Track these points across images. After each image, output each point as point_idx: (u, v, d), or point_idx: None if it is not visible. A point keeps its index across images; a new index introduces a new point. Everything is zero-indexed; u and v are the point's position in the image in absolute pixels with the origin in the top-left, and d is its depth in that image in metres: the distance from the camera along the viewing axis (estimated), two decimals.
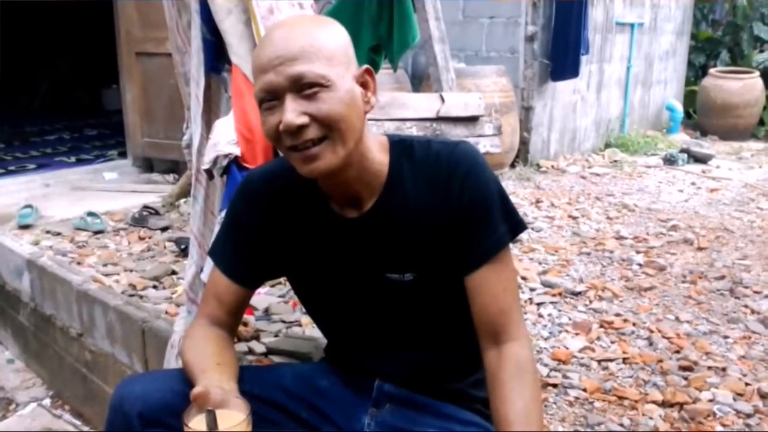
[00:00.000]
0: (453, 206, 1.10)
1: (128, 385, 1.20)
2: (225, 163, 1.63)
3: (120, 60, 4.47)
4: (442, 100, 2.24)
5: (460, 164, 1.11)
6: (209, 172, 1.69)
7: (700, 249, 2.88)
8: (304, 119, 1.00)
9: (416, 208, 1.13)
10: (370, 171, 1.12)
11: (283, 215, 1.20)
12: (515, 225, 1.14)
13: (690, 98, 6.73)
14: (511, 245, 1.17)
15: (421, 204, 1.13)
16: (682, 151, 5.03)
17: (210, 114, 1.91)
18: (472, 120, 2.34)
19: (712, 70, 6.43)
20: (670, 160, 4.89)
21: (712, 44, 7.10)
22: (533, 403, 1.06)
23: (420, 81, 4.80)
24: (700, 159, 4.91)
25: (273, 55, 1.01)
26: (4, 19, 6.67)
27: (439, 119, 2.24)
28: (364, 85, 1.08)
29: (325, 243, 1.19)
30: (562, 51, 4.51)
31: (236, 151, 1.63)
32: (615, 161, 5.04)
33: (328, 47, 1.03)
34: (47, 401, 2.73)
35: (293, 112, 1.00)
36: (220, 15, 1.75)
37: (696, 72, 7.10)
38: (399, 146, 1.16)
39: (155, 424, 1.13)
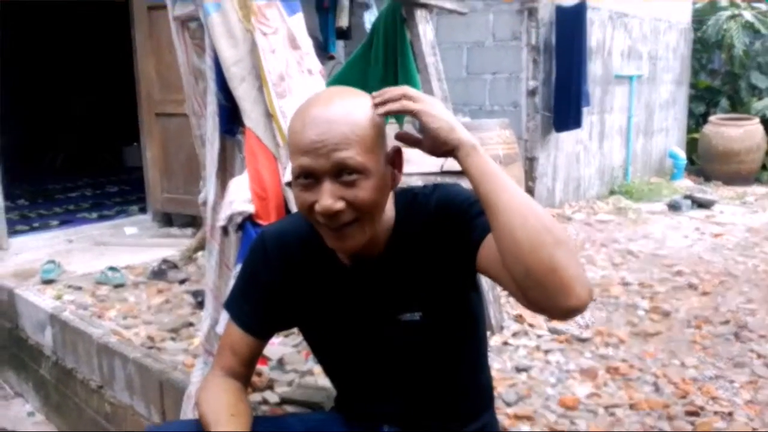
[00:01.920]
0: (441, 226, 1.17)
1: None
2: (240, 220, 1.74)
3: (141, 119, 4.66)
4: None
5: (440, 195, 1.20)
6: (225, 229, 1.79)
7: (704, 294, 2.93)
8: (341, 205, 1.08)
9: (419, 251, 1.21)
10: (382, 229, 1.21)
11: (295, 269, 1.29)
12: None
13: (692, 145, 6.85)
14: None
15: (422, 246, 1.21)
16: (686, 197, 5.11)
17: (225, 173, 2.03)
18: None
19: (712, 118, 6.56)
20: (674, 207, 4.97)
21: (711, 93, 7.27)
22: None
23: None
24: (704, 204, 4.99)
25: (316, 138, 1.06)
26: (32, 80, 6.94)
27: (444, 173, 2.34)
28: (393, 163, 1.15)
29: (335, 292, 1.27)
30: (564, 104, 4.67)
31: (250, 208, 1.74)
32: (620, 208, 5.12)
33: (368, 132, 1.08)
34: None
35: (332, 198, 1.07)
36: (234, 82, 1.88)
37: (696, 120, 7.24)
38: (403, 197, 1.24)
39: None
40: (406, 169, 2.31)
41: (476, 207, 1.12)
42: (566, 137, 5.01)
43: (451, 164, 2.55)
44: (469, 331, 1.31)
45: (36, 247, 4.04)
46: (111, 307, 2.94)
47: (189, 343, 2.49)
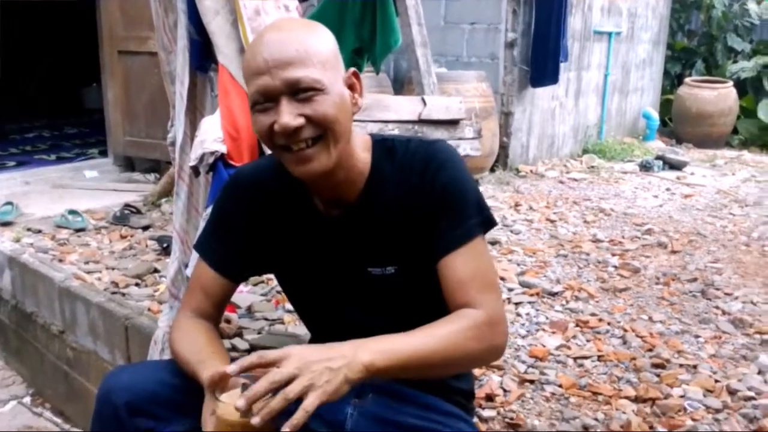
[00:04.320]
0: (426, 198, 1.15)
1: (115, 376, 1.22)
2: (211, 160, 1.67)
3: (102, 58, 4.46)
4: (424, 103, 2.29)
5: (434, 159, 1.16)
6: (195, 169, 1.71)
7: (673, 252, 2.96)
8: (300, 121, 1.05)
9: (396, 204, 1.17)
10: (355, 170, 1.17)
11: (269, 212, 1.24)
12: (486, 220, 1.18)
13: (666, 106, 6.86)
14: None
15: (400, 200, 1.17)
16: (658, 158, 5.14)
17: (195, 112, 1.94)
18: (453, 123, 2.38)
19: (687, 80, 6.57)
20: (646, 167, 4.99)
21: (688, 54, 7.26)
22: (446, 327, 1.09)
23: (402, 84, 4.85)
24: (675, 166, 5.02)
25: (269, 58, 1.04)
26: None
27: (421, 122, 2.28)
28: (351, 87, 1.13)
29: (309, 240, 1.23)
30: (542, 58, 4.59)
31: (222, 148, 1.66)
32: (592, 167, 5.13)
33: (321, 52, 1.07)
34: (27, 399, 2.72)
35: (289, 115, 1.04)
36: (208, 16, 1.78)
37: (672, 81, 7.24)
38: (381, 145, 1.20)
39: (142, 413, 1.15)
40: (383, 116, 2.26)
41: (465, 213, 1.14)
42: (542, 93, 4.96)
43: (428, 113, 2.48)
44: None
45: None
46: (72, 251, 2.85)
47: (155, 289, 2.44)
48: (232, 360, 1.27)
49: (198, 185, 1.98)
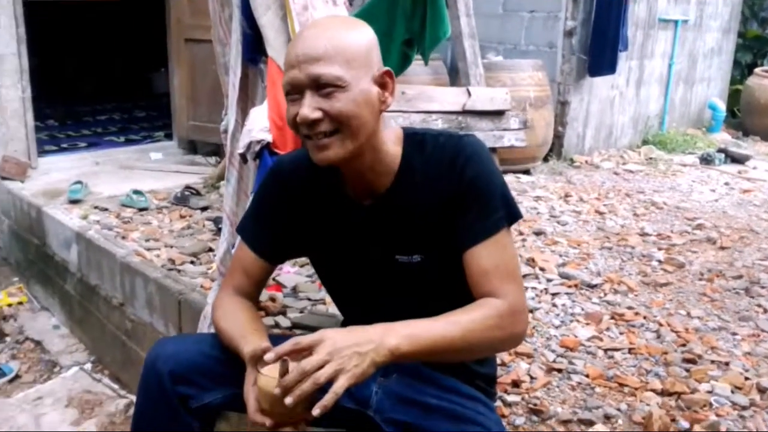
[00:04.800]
0: (454, 190, 1.20)
1: (161, 345, 1.33)
2: (258, 148, 1.77)
3: (169, 45, 4.66)
4: (469, 94, 2.34)
5: (462, 153, 1.22)
6: (243, 156, 1.82)
7: (722, 248, 2.91)
8: (318, 114, 1.12)
9: (424, 195, 1.24)
10: (384, 162, 1.23)
11: (306, 199, 1.32)
12: (512, 213, 1.23)
13: (734, 97, 6.60)
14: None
15: (428, 192, 1.23)
16: (720, 150, 4.98)
17: (246, 102, 2.05)
18: (498, 114, 2.42)
19: (757, 69, 6.30)
20: (706, 160, 4.85)
21: (760, 43, 6.95)
22: (469, 314, 1.15)
23: (458, 73, 4.86)
24: (738, 159, 4.86)
25: (300, 53, 1.12)
26: (62, 8, 6.93)
27: (465, 112, 2.33)
28: (383, 85, 1.19)
29: (341, 227, 1.31)
30: (601, 47, 4.52)
31: (268, 137, 1.76)
32: (650, 159, 5.02)
33: (350, 50, 1.13)
34: (88, 366, 2.93)
35: (309, 107, 1.12)
36: (259, 11, 1.88)
37: (742, 71, 6.95)
38: (411, 139, 1.27)
39: (184, 381, 1.26)
40: (427, 107, 2.31)
41: (491, 206, 1.19)
42: (601, 82, 4.88)
43: (472, 104, 2.52)
44: None
45: (64, 168, 4.15)
46: (135, 229, 3.04)
47: (208, 267, 2.57)
48: (271, 337, 1.37)
49: (247, 171, 2.09)
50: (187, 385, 1.26)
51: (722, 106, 6.20)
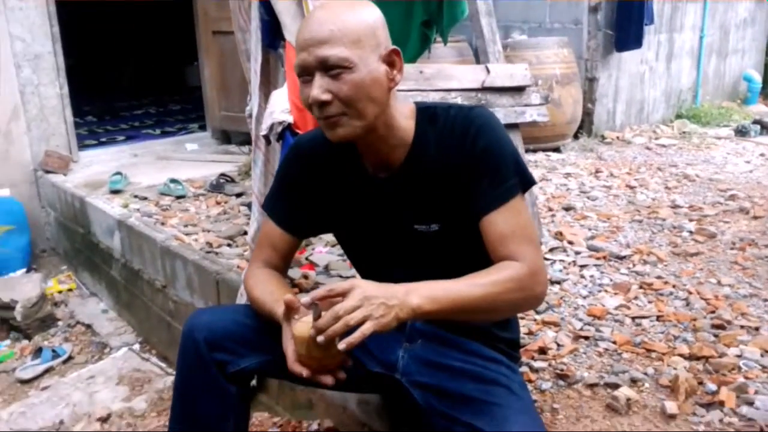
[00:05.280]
0: (467, 161, 1.25)
1: (197, 316, 1.40)
2: (279, 129, 1.83)
3: (198, 38, 4.77)
4: (488, 71, 2.35)
5: (473, 124, 1.26)
6: (266, 138, 1.89)
7: (755, 218, 2.88)
8: (328, 96, 1.17)
9: (437, 167, 1.28)
10: (397, 136, 1.28)
11: (326, 174, 1.38)
12: (525, 180, 1.27)
13: None
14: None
15: (441, 163, 1.28)
16: (755, 122, 4.89)
17: (269, 86, 2.11)
18: (519, 90, 2.43)
19: None
20: (741, 132, 4.77)
21: None
22: (489, 276, 1.19)
23: None
24: None
25: (307, 36, 1.17)
26: (97, 7, 7.12)
27: (485, 89, 2.35)
28: (390, 63, 1.23)
29: (361, 199, 1.36)
30: (626, 21, 4.48)
31: (289, 118, 1.83)
32: (684, 132, 4.95)
33: (356, 31, 1.17)
34: (137, 346, 3.07)
35: (319, 89, 1.16)
36: None
37: None
38: (423, 113, 1.31)
39: (219, 348, 1.33)
40: (446, 85, 2.34)
41: (504, 174, 1.23)
42: (630, 57, 4.83)
43: (491, 80, 2.54)
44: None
45: (104, 160, 4.31)
46: (173, 215, 3.15)
47: (244, 249, 2.66)
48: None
49: (274, 152, 2.16)
50: (223, 351, 1.33)
51: (758, 78, 6.08)
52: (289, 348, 1.19)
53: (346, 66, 1.16)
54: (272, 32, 2.01)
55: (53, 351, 2.97)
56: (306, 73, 1.19)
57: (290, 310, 1.19)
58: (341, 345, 1.09)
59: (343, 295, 1.11)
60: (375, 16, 1.23)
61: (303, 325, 1.15)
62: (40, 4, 3.96)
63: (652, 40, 4.93)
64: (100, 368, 2.89)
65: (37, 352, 2.97)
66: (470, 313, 1.19)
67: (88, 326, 3.28)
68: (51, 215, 4.03)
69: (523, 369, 1.69)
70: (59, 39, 4.07)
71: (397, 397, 1.39)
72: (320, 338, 1.08)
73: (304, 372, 1.17)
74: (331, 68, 1.16)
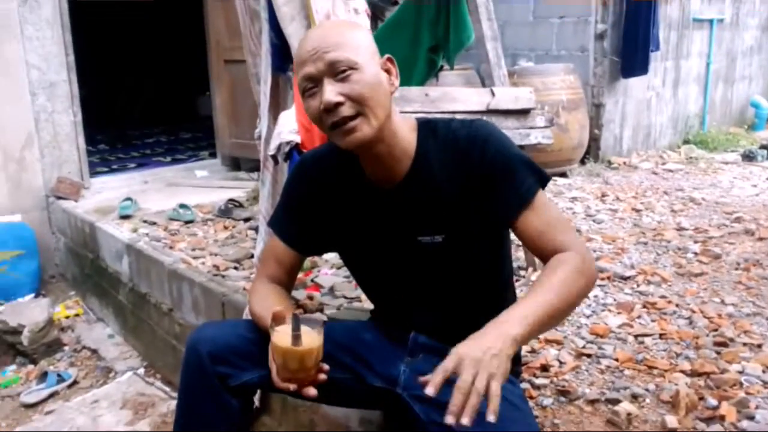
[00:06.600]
0: (476, 169, 1.27)
1: (201, 330, 1.44)
2: (287, 149, 1.88)
3: (210, 67, 4.87)
4: (493, 94, 2.40)
5: (478, 133, 1.29)
6: (274, 158, 1.93)
7: (760, 239, 2.87)
8: (340, 98, 1.20)
9: (440, 179, 1.31)
10: (400, 147, 1.31)
11: (330, 190, 1.41)
12: (541, 177, 1.29)
13: None
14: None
15: (445, 174, 1.30)
16: (762, 147, 4.90)
17: (278, 108, 2.16)
18: (523, 113, 2.47)
19: None
20: (749, 156, 4.78)
21: None
22: (555, 276, 1.18)
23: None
24: None
25: (311, 48, 1.22)
26: (110, 35, 7.29)
27: (489, 112, 2.39)
28: (387, 71, 1.28)
29: (365, 213, 1.38)
30: (632, 48, 4.54)
31: (297, 138, 1.87)
32: (691, 158, 4.96)
33: (356, 40, 1.24)
34: (141, 370, 3.08)
35: (331, 92, 1.20)
36: (285, 21, 2.00)
37: None
38: (425, 126, 1.35)
39: (222, 361, 1.36)
40: (451, 107, 2.38)
41: (519, 176, 1.25)
42: (636, 83, 4.87)
43: (496, 103, 2.57)
44: (493, 252, 1.39)
45: (114, 187, 4.37)
46: (181, 240, 3.18)
47: (251, 272, 2.68)
48: (302, 318, 1.45)
49: (282, 172, 2.20)
50: (225, 365, 1.35)
51: (765, 104, 6.10)
52: (273, 366, 1.22)
53: (354, 67, 1.21)
54: (282, 56, 2.07)
55: (58, 375, 3.00)
56: (312, 84, 1.23)
57: (273, 320, 1.22)
58: (489, 416, 1.02)
59: (456, 369, 1.09)
60: (368, 35, 1.30)
61: (279, 335, 1.16)
62: (57, 33, 4.08)
63: (659, 66, 4.99)
64: (105, 392, 2.90)
65: (42, 376, 2.99)
66: (555, 318, 1.18)
67: (94, 351, 3.31)
68: (61, 241, 4.08)
69: (525, 386, 1.69)
70: (74, 68, 4.17)
71: (399, 412, 1.39)
72: (464, 420, 1.02)
73: (291, 387, 1.20)
74: (340, 71, 1.20)
